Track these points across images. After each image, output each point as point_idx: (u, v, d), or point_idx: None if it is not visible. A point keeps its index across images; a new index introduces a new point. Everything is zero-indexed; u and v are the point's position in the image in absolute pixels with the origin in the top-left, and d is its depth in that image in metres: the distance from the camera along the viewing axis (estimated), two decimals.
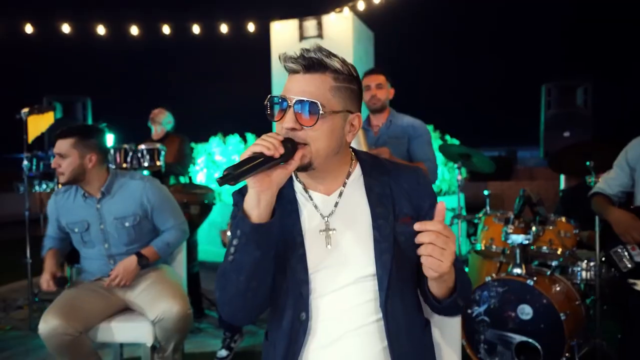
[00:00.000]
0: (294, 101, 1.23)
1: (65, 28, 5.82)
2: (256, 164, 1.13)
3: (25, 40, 6.17)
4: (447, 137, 5.54)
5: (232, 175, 1.09)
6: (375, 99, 3.27)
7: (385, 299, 1.29)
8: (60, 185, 3.21)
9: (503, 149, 17.17)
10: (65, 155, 2.38)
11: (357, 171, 1.40)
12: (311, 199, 1.37)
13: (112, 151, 3.94)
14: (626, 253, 2.22)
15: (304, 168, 1.27)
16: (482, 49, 24.10)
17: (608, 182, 2.37)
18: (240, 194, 1.37)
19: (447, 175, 5.71)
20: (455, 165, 3.69)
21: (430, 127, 5.40)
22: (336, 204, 1.34)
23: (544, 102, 5.23)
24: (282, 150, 1.16)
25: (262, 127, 6.24)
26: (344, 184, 1.37)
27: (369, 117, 3.44)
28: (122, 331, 2.32)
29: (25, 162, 3.90)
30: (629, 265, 2.20)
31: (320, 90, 1.26)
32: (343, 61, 1.31)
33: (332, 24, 6.00)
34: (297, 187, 1.40)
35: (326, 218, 1.33)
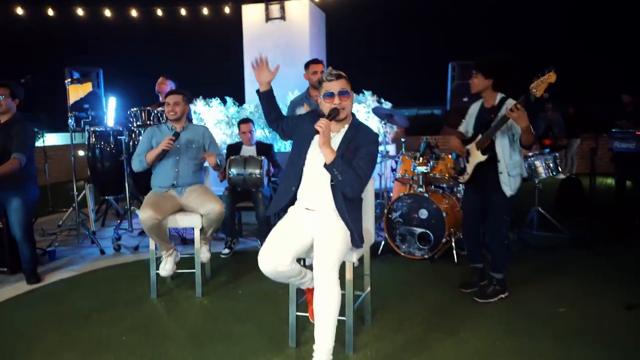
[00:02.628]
0: (337, 91, 2.67)
1: (80, 11, 6.94)
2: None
3: (45, 20, 7.24)
4: (382, 100, 7.15)
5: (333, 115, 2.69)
6: (316, 76, 4.81)
7: (331, 179, 2.70)
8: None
9: (437, 107, 19.35)
10: (179, 103, 3.93)
11: (347, 126, 2.79)
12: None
13: (138, 111, 5.33)
14: (460, 161, 3.86)
15: (341, 120, 2.74)
16: (414, 27, 27.33)
17: (462, 125, 3.97)
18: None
19: (381, 129, 7.38)
20: (383, 122, 5.33)
21: (369, 93, 7.01)
22: (334, 136, 2.75)
23: (450, 76, 6.96)
24: (329, 129, 2.64)
25: (236, 92, 7.64)
26: (339, 131, 2.78)
27: (308, 89, 5.01)
28: (183, 220, 3.84)
29: (70, 120, 5.21)
30: (459, 168, 3.80)
31: (346, 85, 2.71)
32: (345, 74, 2.75)
33: (293, 8, 7.39)
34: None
35: None
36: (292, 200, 2.94)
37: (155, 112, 5.34)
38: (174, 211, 3.89)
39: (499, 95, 3.61)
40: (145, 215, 3.58)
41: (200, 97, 7.33)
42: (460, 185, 5.08)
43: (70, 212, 6.34)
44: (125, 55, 23.71)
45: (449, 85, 7.05)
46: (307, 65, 5.02)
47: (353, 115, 2.89)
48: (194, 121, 6.21)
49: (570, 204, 6.63)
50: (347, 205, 2.74)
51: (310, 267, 2.92)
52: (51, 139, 14.56)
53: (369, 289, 3.18)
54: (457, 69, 6.98)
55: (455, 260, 4.54)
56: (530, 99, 3.29)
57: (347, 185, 2.64)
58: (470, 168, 3.69)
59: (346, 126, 2.82)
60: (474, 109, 3.83)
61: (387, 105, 6.97)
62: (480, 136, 3.60)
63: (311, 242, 2.80)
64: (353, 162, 2.70)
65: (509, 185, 3.51)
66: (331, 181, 2.73)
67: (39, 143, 6.22)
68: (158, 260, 3.91)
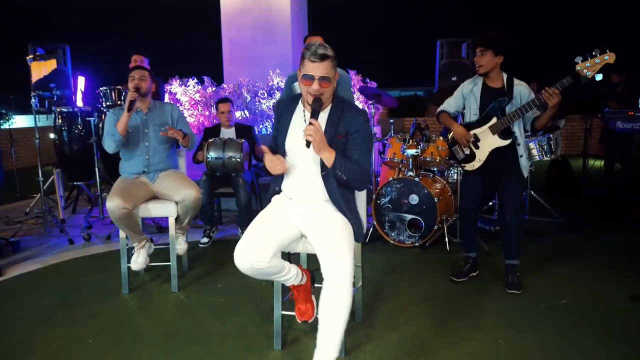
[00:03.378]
0: (318, 77, 2.31)
1: None
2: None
3: None
4: (368, 80, 6.87)
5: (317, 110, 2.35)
6: None
7: (321, 168, 2.43)
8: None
9: (421, 89, 19.08)
10: (145, 78, 3.61)
11: (330, 106, 2.47)
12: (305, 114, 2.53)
13: (108, 91, 4.96)
14: (459, 149, 3.65)
15: (323, 105, 2.39)
16: (400, 4, 26.58)
17: (450, 104, 3.73)
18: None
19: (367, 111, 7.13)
20: (371, 102, 5.05)
21: (354, 72, 6.72)
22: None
23: (438, 54, 6.69)
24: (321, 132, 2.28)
25: (214, 71, 7.28)
26: (323, 110, 2.45)
27: None
28: (156, 209, 3.53)
29: (33, 100, 4.80)
30: (462, 156, 3.64)
31: (330, 70, 2.33)
32: (333, 50, 2.36)
33: None
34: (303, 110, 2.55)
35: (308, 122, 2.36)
36: (278, 191, 2.68)
37: (127, 91, 4.95)
38: (147, 199, 3.58)
39: (504, 75, 3.40)
40: (113, 204, 3.26)
41: (177, 76, 6.96)
42: (451, 168, 4.85)
43: (37, 199, 5.97)
44: (93, 31, 22.39)
45: (437, 64, 6.78)
46: (305, 40, 4.70)
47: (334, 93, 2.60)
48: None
49: (560, 186, 6.50)
50: (342, 195, 2.48)
51: (295, 261, 2.68)
52: (21, 121, 13.97)
53: (360, 283, 2.93)
54: (445, 47, 6.70)
55: (447, 247, 4.32)
56: (581, 81, 3.08)
57: (355, 182, 2.42)
58: (483, 154, 3.47)
59: (329, 106, 2.53)
60: (468, 88, 3.57)
61: (371, 84, 6.69)
62: (495, 120, 3.37)
63: (297, 235, 2.53)
64: (349, 150, 2.44)
65: (526, 167, 3.44)
66: (322, 171, 2.46)
67: (5, 126, 5.81)
68: (131, 252, 3.61)
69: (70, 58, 6.04)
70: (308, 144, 2.26)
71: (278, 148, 2.59)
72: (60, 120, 5.09)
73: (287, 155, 2.54)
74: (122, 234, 3.52)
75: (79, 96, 6.17)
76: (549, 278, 3.69)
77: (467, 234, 3.71)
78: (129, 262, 3.56)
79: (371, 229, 4.67)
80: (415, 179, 4.43)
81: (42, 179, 5.16)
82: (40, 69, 4.84)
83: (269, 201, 2.66)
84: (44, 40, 5.79)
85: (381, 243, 4.57)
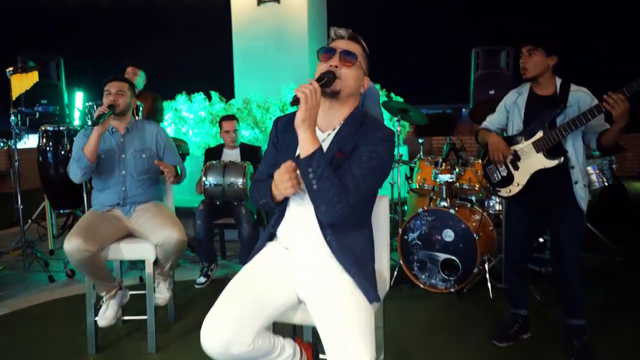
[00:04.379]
0: (340, 50, 1.77)
1: None
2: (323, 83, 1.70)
3: None
4: (392, 95, 6.17)
5: (325, 79, 1.70)
6: None
7: (315, 210, 1.69)
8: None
9: (449, 106, 18.21)
10: (123, 93, 2.97)
11: (343, 121, 1.82)
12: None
13: (94, 106, 4.37)
14: (495, 169, 2.92)
15: (334, 94, 1.74)
16: (425, 13, 25.02)
17: (491, 121, 3.04)
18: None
19: (393, 128, 6.41)
20: (395, 119, 4.34)
21: (377, 86, 6.02)
22: (324, 140, 1.78)
23: (473, 64, 5.96)
24: (317, 98, 1.61)
25: (224, 85, 6.70)
26: (334, 129, 1.80)
27: None
28: (129, 250, 2.88)
29: (12, 117, 4.26)
30: (497, 178, 2.91)
31: (358, 52, 1.80)
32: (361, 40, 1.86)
33: None
34: None
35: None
36: (272, 235, 1.98)
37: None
38: (119, 237, 2.92)
39: (558, 80, 2.68)
40: (71, 245, 2.61)
41: (184, 92, 6.39)
42: (493, 197, 4.09)
43: (29, 226, 5.42)
44: (91, 43, 21.02)
45: (471, 75, 6.04)
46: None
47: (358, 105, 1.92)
48: (168, 131, 5.15)
49: (615, 214, 5.64)
50: (347, 241, 1.77)
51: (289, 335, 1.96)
52: (34, 140, 13.59)
53: (382, 355, 2.18)
54: (481, 56, 5.96)
55: (490, 295, 3.54)
56: None
57: (323, 200, 1.64)
58: (523, 177, 2.74)
59: (342, 120, 1.84)
60: (513, 98, 2.86)
61: (397, 100, 5.98)
62: (540, 134, 2.64)
63: (293, 300, 1.83)
64: (344, 165, 1.72)
65: (584, 198, 2.63)
66: None
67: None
68: (100, 301, 2.95)
69: (65, 72, 5.54)
70: (296, 100, 1.61)
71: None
72: (44, 140, 4.52)
73: None
74: (87, 282, 2.86)
75: (76, 114, 5.62)
76: (621, 336, 2.89)
77: (516, 284, 2.95)
78: (97, 314, 2.90)
79: (397, 269, 3.92)
80: (450, 210, 3.68)
81: (21, 206, 4.58)
82: (21, 83, 4.28)
83: (259, 249, 1.97)
84: (36, 52, 5.30)
85: (409, 287, 3.82)
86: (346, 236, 1.77)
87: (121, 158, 3.01)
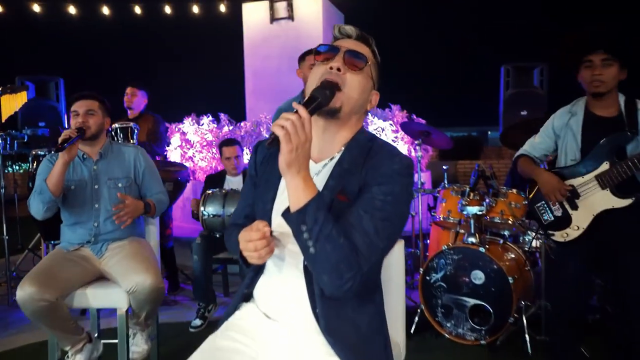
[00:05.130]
0: (345, 49, 1.38)
1: (36, 7, 5.80)
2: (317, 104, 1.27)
3: None
4: (414, 117, 5.73)
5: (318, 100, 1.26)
6: None
7: (304, 265, 1.31)
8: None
9: (474, 129, 17.60)
10: (94, 112, 2.59)
11: (345, 146, 1.41)
12: None
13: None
14: (547, 208, 2.44)
15: (333, 112, 1.33)
16: (446, 31, 24.19)
17: (534, 146, 2.58)
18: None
19: (414, 153, 5.95)
20: (417, 142, 3.88)
21: (397, 108, 5.58)
22: (318, 173, 1.38)
23: (503, 82, 5.48)
24: (307, 131, 1.17)
25: (234, 107, 6.35)
26: (331, 159, 1.39)
27: (304, 92, 3.58)
28: (98, 297, 2.46)
29: None
30: (549, 219, 2.43)
31: (368, 55, 1.42)
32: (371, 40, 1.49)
33: (302, 6, 6.07)
34: None
35: None
36: (247, 296, 1.53)
37: (111, 128, 4.00)
38: (88, 280, 2.50)
39: (621, 97, 2.20)
40: (23, 293, 2.21)
41: (193, 114, 6.05)
42: (529, 232, 3.56)
43: (25, 255, 5.12)
44: (94, 64, 20.27)
45: (501, 95, 5.54)
46: (302, 58, 3.60)
47: (364, 127, 1.48)
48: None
49: None
50: (346, 314, 1.30)
51: None
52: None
53: None
54: (511, 74, 5.46)
55: (528, 348, 3.00)
56: None
57: (324, 268, 1.20)
58: (584, 219, 2.27)
59: (342, 147, 1.41)
60: (564, 119, 2.39)
61: (419, 122, 5.52)
62: (607, 166, 2.16)
63: None
64: (350, 215, 1.27)
65: None
66: (304, 261, 1.31)
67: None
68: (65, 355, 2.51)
69: (65, 93, 5.26)
70: (274, 140, 1.15)
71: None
72: (35, 165, 4.17)
73: (273, 234, 1.37)
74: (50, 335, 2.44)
75: None
76: None
77: (562, 338, 2.44)
78: None
79: (418, 314, 3.41)
80: (480, 248, 3.17)
81: (6, 237, 4.24)
82: (10, 104, 3.98)
83: (230, 314, 1.51)
84: (35, 72, 5.04)
85: (432, 336, 3.30)
86: (345, 308, 1.31)
87: (94, 189, 2.61)
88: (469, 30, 23.48)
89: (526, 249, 3.57)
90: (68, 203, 2.58)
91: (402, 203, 1.31)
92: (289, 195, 1.21)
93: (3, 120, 4.08)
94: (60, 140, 2.39)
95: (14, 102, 4.06)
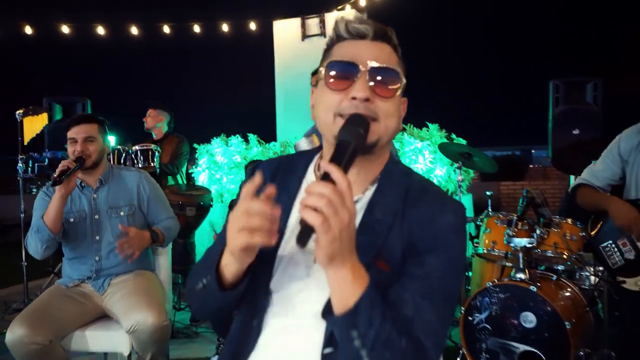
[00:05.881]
0: (369, 66, 1.04)
1: (65, 29, 5.82)
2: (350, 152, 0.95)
3: (25, 41, 6.19)
4: (453, 136, 5.38)
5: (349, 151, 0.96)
6: None
7: (323, 349, 1.01)
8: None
9: (517, 148, 16.92)
10: (94, 139, 2.39)
11: (377, 178, 1.13)
12: None
13: (121, 150, 3.91)
14: (616, 249, 2.07)
15: (368, 148, 1.05)
16: (488, 44, 23.42)
17: (595, 174, 2.23)
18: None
19: (454, 176, 5.57)
20: (457, 166, 3.54)
21: (435, 127, 5.25)
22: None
23: (552, 98, 5.08)
24: (349, 204, 0.86)
25: (265, 127, 6.17)
26: (358, 200, 1.09)
27: None
28: (97, 340, 2.23)
29: (19, 164, 3.86)
30: (619, 262, 2.06)
31: (392, 60, 1.09)
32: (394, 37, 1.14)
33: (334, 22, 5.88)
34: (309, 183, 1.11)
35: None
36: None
37: (131, 151, 3.84)
38: (89, 320, 2.27)
39: None
40: (13, 336, 2.01)
41: (223, 135, 5.89)
42: (587, 267, 3.15)
43: (51, 279, 5.02)
44: (121, 84, 19.99)
45: (549, 112, 5.13)
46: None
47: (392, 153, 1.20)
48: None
49: None
50: None
51: None
52: None
53: None
54: (561, 90, 5.05)
55: None
56: None
57: None
58: None
59: (369, 187, 1.12)
60: (633, 141, 2.04)
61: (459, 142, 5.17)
62: None
63: None
64: (400, 288, 1.00)
65: None
66: (325, 344, 1.01)
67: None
68: None
69: (91, 111, 5.20)
70: (304, 237, 0.83)
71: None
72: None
73: (271, 295, 1.09)
74: None
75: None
76: None
77: None
78: None
79: (460, 356, 3.05)
80: (531, 287, 2.78)
81: (25, 263, 4.11)
82: (33, 126, 3.89)
83: None
84: (62, 94, 5.00)
85: None
86: None
87: (94, 220, 2.40)
88: (513, 44, 22.75)
89: (584, 286, 3.16)
90: (67, 237, 2.39)
91: (461, 268, 1.05)
92: (331, 292, 0.92)
93: (25, 143, 3.99)
94: (57, 172, 2.19)
95: (36, 124, 3.98)
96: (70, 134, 2.38)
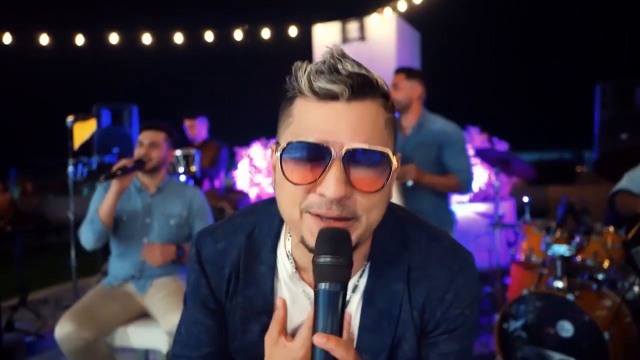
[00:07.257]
0: (344, 149, 0.78)
1: (113, 39, 6.09)
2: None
3: (76, 51, 6.50)
4: (495, 140, 5.28)
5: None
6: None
7: None
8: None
9: (568, 151, 16.32)
10: (158, 145, 2.53)
11: (369, 261, 0.98)
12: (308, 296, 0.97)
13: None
14: None
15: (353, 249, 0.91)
16: (534, 45, 22.75)
17: (634, 181, 2.15)
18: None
19: (492, 179, 5.47)
20: (494, 171, 3.48)
21: (476, 129, 5.17)
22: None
23: (599, 102, 4.88)
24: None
25: None
26: (355, 288, 0.98)
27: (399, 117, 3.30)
28: (138, 337, 2.34)
29: (70, 168, 4.06)
30: None
31: (377, 128, 0.82)
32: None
33: (375, 26, 5.84)
34: (284, 273, 0.98)
35: None
36: None
37: (175, 156, 3.97)
38: (131, 318, 2.39)
39: None
40: (61, 331, 2.13)
41: (261, 138, 6.01)
42: (631, 277, 3.04)
43: (99, 279, 5.22)
44: (166, 89, 20.92)
45: (596, 116, 4.95)
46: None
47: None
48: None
49: None
50: None
51: None
52: None
53: None
54: (608, 93, 4.85)
55: None
56: None
57: None
58: None
59: (366, 263, 0.98)
60: None
61: (500, 145, 5.07)
62: None
63: None
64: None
65: None
66: None
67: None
68: None
69: (138, 120, 5.39)
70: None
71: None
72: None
73: None
74: None
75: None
76: None
77: None
78: None
79: None
80: (568, 296, 2.72)
81: (74, 264, 4.32)
82: (82, 132, 4.09)
83: None
84: (110, 101, 5.21)
85: None
86: None
87: (145, 223, 2.53)
88: (558, 45, 22.06)
89: (628, 297, 3.05)
90: (117, 233, 2.52)
91: (473, 341, 1.03)
92: None
93: (75, 147, 4.19)
94: (114, 168, 2.33)
95: (85, 130, 4.17)
96: (140, 137, 2.56)
